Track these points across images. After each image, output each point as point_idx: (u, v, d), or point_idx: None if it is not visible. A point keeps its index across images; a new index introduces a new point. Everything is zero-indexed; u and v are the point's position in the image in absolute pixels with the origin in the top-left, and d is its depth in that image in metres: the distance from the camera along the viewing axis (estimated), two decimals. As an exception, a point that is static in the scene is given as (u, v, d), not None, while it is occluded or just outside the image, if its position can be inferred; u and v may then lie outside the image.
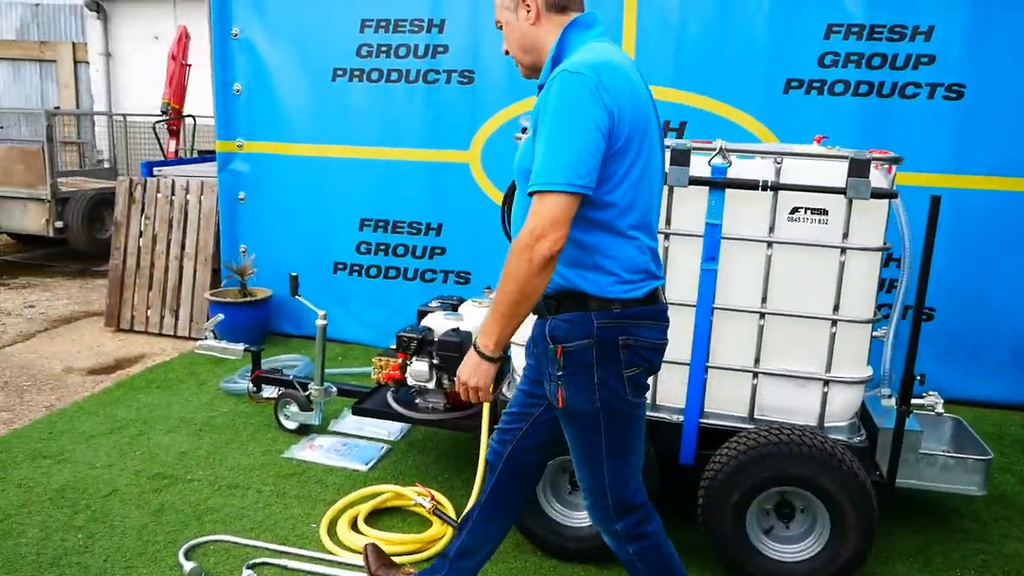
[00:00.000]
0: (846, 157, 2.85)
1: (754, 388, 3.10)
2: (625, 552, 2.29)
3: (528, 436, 2.39)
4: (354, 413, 3.68)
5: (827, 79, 4.72)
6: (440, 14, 5.15)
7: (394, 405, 3.54)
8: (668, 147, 2.91)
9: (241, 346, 4.26)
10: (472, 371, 2.08)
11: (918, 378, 3.00)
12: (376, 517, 3.29)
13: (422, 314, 3.80)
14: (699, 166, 2.93)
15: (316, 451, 3.92)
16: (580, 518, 3.09)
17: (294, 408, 4.08)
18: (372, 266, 5.59)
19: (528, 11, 2.16)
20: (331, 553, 3.05)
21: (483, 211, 5.31)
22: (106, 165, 11.09)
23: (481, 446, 3.29)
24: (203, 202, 5.77)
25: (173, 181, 5.97)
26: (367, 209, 5.48)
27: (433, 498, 3.25)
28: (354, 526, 3.19)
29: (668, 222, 3.02)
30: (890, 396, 3.16)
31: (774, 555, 2.91)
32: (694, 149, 2.93)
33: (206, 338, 4.26)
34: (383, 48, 5.28)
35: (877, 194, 2.82)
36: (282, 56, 5.44)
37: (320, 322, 3.94)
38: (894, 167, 2.95)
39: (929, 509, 3.54)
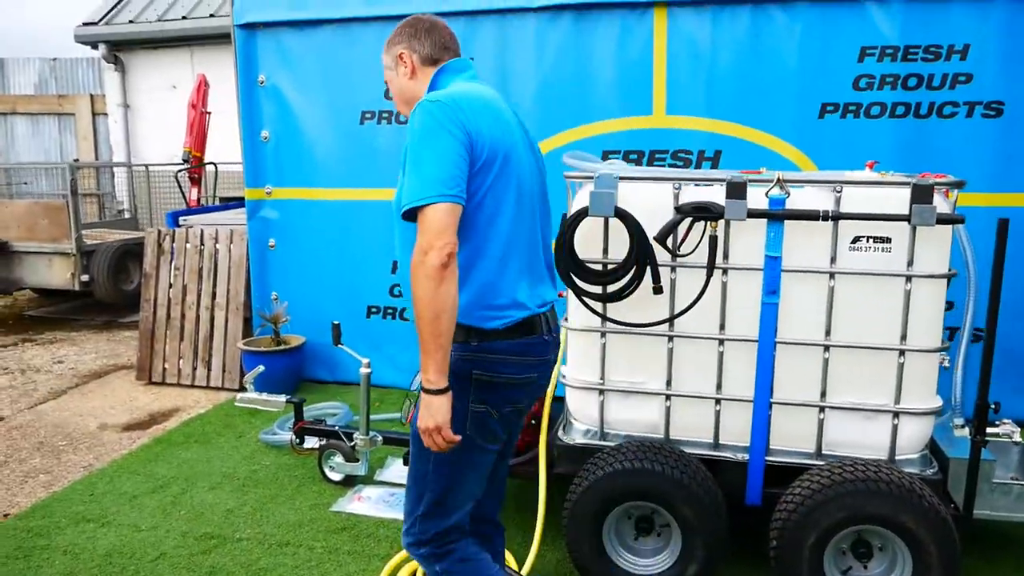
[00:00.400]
0: (908, 183, 2.78)
1: (821, 423, 3.01)
2: (432, 571, 2.26)
3: None
4: (406, 463, 3.60)
5: (863, 102, 4.67)
6: (467, 53, 5.04)
7: (447, 454, 3.45)
8: (723, 180, 2.88)
9: (283, 397, 4.19)
10: (425, 414, 2.00)
11: (992, 406, 2.90)
12: (434, 571, 3.19)
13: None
14: (756, 198, 2.87)
15: (364, 503, 3.83)
16: (649, 565, 2.98)
17: (339, 459, 4.00)
18: (405, 308, 5.53)
19: (406, 67, 2.33)
20: (392, 612, 2.95)
21: (516, 248, 5.26)
22: (126, 215, 11.15)
23: (540, 491, 3.20)
24: (232, 251, 5.75)
25: (202, 230, 5.96)
26: (398, 251, 5.43)
27: (493, 550, 3.15)
28: (413, 581, 3.10)
29: (726, 256, 2.96)
30: (963, 425, 3.05)
31: (855, 598, 2.80)
32: (750, 181, 2.88)
33: (247, 390, 4.18)
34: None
35: (942, 220, 2.75)
36: (309, 101, 5.44)
37: (364, 370, 3.87)
38: (955, 191, 2.88)
39: (1003, 540, 3.41)
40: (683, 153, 4.98)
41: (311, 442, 4.19)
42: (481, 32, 5.11)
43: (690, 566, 2.88)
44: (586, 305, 3.06)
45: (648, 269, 2.93)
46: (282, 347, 5.43)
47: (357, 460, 3.96)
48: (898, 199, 2.79)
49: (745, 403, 3.03)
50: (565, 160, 3.62)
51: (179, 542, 3.48)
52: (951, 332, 4.10)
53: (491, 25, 5.08)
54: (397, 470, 4.19)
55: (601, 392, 3.19)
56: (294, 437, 4.13)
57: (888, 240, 2.84)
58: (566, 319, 3.30)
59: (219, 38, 10.93)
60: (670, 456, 2.93)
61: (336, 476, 4.03)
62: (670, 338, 3.07)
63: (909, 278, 2.84)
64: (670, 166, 4.96)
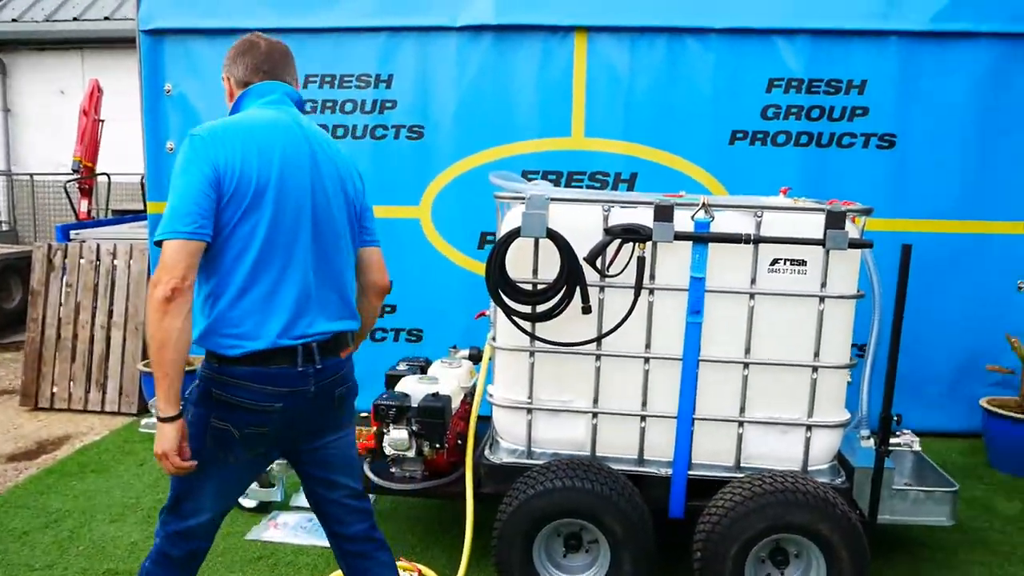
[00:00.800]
0: (822, 210, 2.94)
1: (740, 437, 3.12)
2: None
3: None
4: (328, 486, 3.49)
5: (770, 130, 4.91)
6: (388, 69, 5.10)
7: (372, 476, 3.38)
8: (652, 203, 2.96)
9: (193, 419, 3.99)
10: (157, 439, 2.08)
11: (895, 418, 3.08)
12: (359, 597, 3.10)
13: (391, 379, 3.66)
14: (681, 221, 2.97)
15: (281, 530, 3.69)
16: (579, 583, 3.01)
17: (253, 485, 3.84)
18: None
19: (227, 91, 2.45)
20: (318, 641, 2.86)
21: (435, 267, 5.24)
22: (4, 227, 10.45)
23: (467, 512, 3.18)
24: (132, 266, 5.47)
25: (98, 245, 5.65)
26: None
27: (420, 573, 3.10)
28: (339, 609, 3.00)
29: (652, 277, 3.04)
30: (868, 436, 3.23)
31: (776, 606, 2.91)
32: (677, 205, 2.97)
33: (153, 414, 3.96)
34: (328, 104, 5.18)
35: (853, 244, 2.92)
36: (219, 113, 5.18)
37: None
38: (863, 218, 3.06)
39: (898, 542, 3.61)
40: (600, 175, 5.10)
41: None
42: (402, 49, 5.07)
43: (620, 581, 2.92)
44: (516, 324, 3.07)
45: (578, 289, 2.98)
46: (187, 368, 5.17)
47: (273, 485, 3.83)
48: (813, 224, 2.94)
49: (669, 419, 3.11)
50: (492, 180, 3.65)
51: (79, 578, 3.27)
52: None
53: (412, 42, 5.06)
54: (314, 494, 4.07)
55: (529, 411, 3.21)
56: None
57: (804, 263, 2.99)
58: (493, 338, 3.31)
59: (114, 42, 10.47)
60: (599, 473, 2.97)
61: (250, 503, 3.87)
62: (597, 357, 3.12)
63: (822, 299, 3.00)
64: (587, 187, 5.06)
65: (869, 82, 4.79)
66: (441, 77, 5.09)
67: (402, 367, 3.79)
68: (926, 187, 4.81)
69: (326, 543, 3.47)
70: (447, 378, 3.57)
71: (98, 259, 5.57)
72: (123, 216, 8.47)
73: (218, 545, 3.51)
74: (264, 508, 3.88)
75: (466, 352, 3.96)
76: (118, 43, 10.19)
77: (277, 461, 3.72)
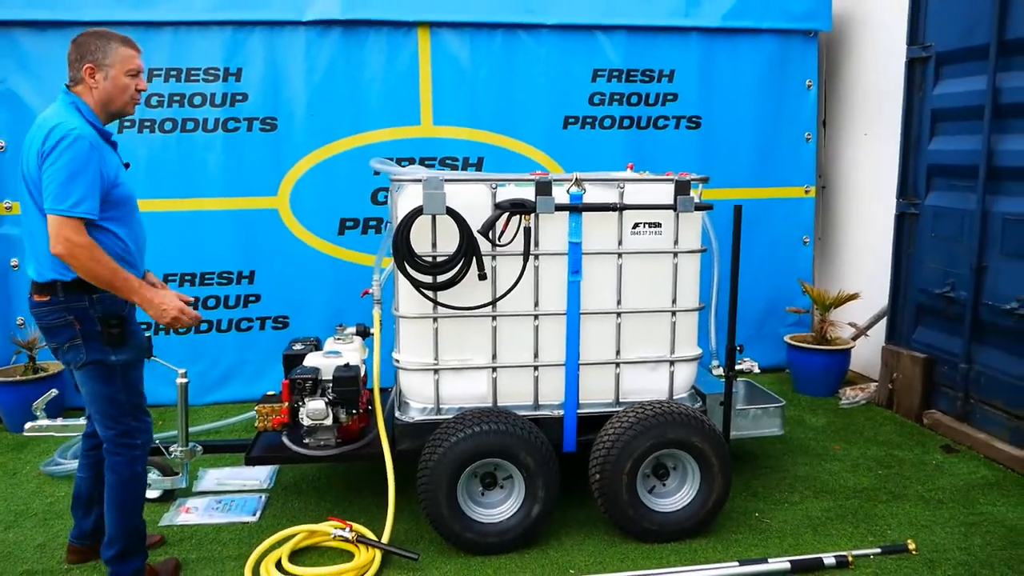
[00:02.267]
0: (672, 180, 3.54)
1: (617, 376, 3.68)
2: None
3: None
4: (247, 463, 3.63)
5: (597, 115, 5.56)
6: (237, 63, 5.15)
7: (293, 447, 3.58)
8: (534, 180, 3.41)
9: (83, 419, 3.91)
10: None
11: (738, 348, 3.79)
12: (293, 560, 3.31)
13: (289, 358, 3.86)
14: (559, 195, 3.44)
15: (194, 513, 3.78)
16: (498, 513, 3.43)
17: (154, 475, 3.87)
18: (182, 322, 5.34)
19: None
20: (268, 601, 3.06)
21: (296, 254, 5.39)
22: None
23: (388, 468, 3.48)
24: (-38, 274, 5.10)
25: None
26: (170, 263, 5.23)
27: (352, 527, 3.37)
28: (280, 569, 3.21)
29: (537, 244, 3.49)
30: (719, 366, 3.92)
31: (660, 508, 3.50)
32: (554, 181, 3.44)
33: (37, 418, 3.86)
34: (176, 97, 5.13)
35: (698, 207, 3.56)
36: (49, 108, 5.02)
37: (181, 380, 3.80)
38: (701, 186, 3.71)
39: (738, 455, 4.37)
40: (450, 160, 5.49)
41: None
42: (250, 43, 5.15)
43: (534, 506, 3.37)
44: (423, 293, 3.41)
45: (474, 259, 3.38)
46: (40, 375, 4.96)
47: (177, 473, 3.88)
48: (665, 192, 3.54)
49: (558, 367, 3.60)
50: (372, 165, 3.96)
51: (-4, 585, 3.20)
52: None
53: (260, 36, 5.15)
54: (211, 480, 4.16)
55: (435, 371, 3.57)
56: (98, 461, 3.89)
57: (659, 225, 3.58)
58: (396, 309, 3.62)
59: None
60: (508, 417, 3.40)
61: (153, 493, 3.88)
62: (493, 318, 3.54)
63: (676, 254, 3.61)
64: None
65: (677, 72, 5.57)
66: (292, 70, 5.23)
67: (297, 347, 3.98)
68: (727, 161, 5.68)
69: (243, 519, 3.72)
70: (347, 351, 3.83)
71: (-87, 270, 5.12)
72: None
73: (133, 537, 3.56)
74: (167, 497, 3.92)
75: (353, 329, 4.21)
76: None
77: (180, 448, 3.81)
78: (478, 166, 5.50)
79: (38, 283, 2.93)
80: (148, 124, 5.14)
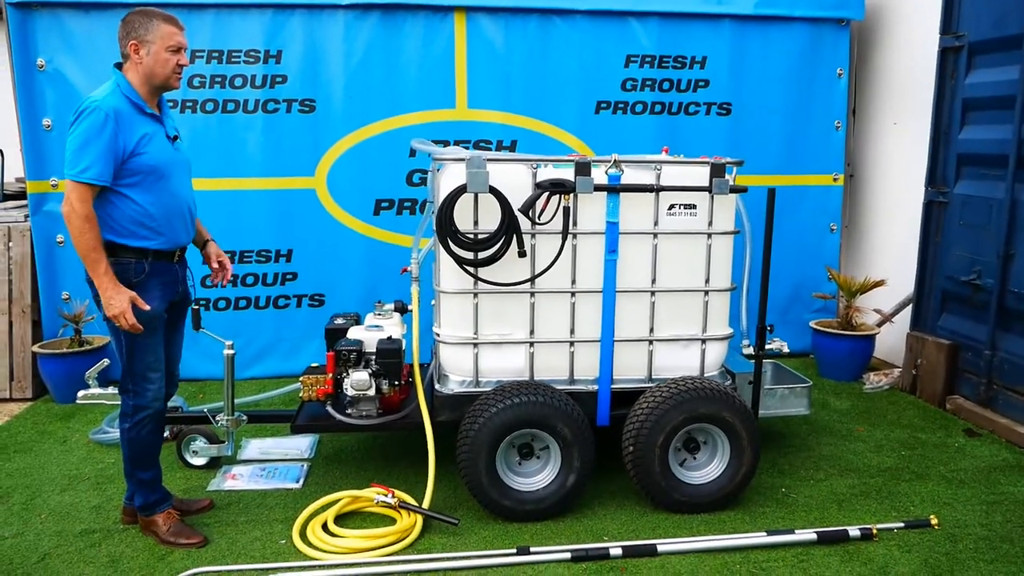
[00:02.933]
0: (707, 163, 3.64)
1: (651, 354, 3.79)
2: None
3: None
4: (293, 432, 3.79)
5: (629, 100, 5.64)
6: (276, 45, 5.27)
7: (339, 417, 3.72)
8: (573, 161, 3.51)
9: (133, 388, 4.08)
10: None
11: (769, 327, 3.89)
12: (337, 524, 3.45)
13: (331, 332, 3.99)
14: (597, 176, 3.55)
15: (239, 480, 3.93)
16: (535, 482, 3.55)
17: (201, 443, 4.03)
18: (220, 298, 5.50)
19: None
20: (316, 558, 3.20)
21: (332, 234, 5.52)
22: None
23: (428, 437, 3.61)
24: (12, 249, 5.27)
25: (-33, 229, 5.36)
26: (211, 241, 5.38)
27: (394, 494, 3.51)
28: (326, 530, 3.35)
29: (575, 223, 3.60)
30: (749, 346, 4.02)
31: (691, 481, 3.61)
32: (593, 162, 3.55)
33: (89, 387, 4.02)
34: (217, 79, 5.27)
35: (732, 190, 3.65)
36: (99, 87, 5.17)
37: (228, 351, 3.94)
38: (736, 169, 3.80)
39: (765, 435, 4.47)
40: (484, 143, 5.60)
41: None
42: (290, 26, 5.27)
43: (570, 476, 3.50)
44: (465, 269, 3.53)
45: (515, 236, 3.49)
46: (85, 347, 5.13)
47: (223, 441, 4.03)
48: (700, 175, 3.63)
49: (593, 343, 3.71)
50: (413, 145, 4.09)
51: (57, 542, 3.35)
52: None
53: (300, 19, 5.27)
54: (255, 449, 4.31)
55: (475, 345, 3.69)
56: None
57: (694, 206, 3.68)
58: (437, 284, 3.73)
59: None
60: (547, 390, 3.52)
61: (200, 460, 4.05)
62: (532, 294, 3.66)
63: (710, 235, 3.71)
64: (474, 154, 5.54)
65: (708, 58, 5.64)
66: (331, 52, 5.34)
67: (339, 321, 4.12)
68: (757, 148, 5.74)
69: (288, 485, 3.86)
70: (388, 326, 3.96)
71: (-35, 244, 5.30)
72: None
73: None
74: (212, 465, 4.08)
75: (391, 305, 4.34)
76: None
77: (226, 417, 3.96)
78: (511, 149, 5.60)
79: None
80: (190, 104, 5.27)
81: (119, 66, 3.18)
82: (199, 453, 4.05)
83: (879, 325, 5.66)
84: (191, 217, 3.40)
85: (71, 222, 2.98)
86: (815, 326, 5.61)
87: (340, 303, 5.55)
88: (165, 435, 4.18)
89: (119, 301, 3.04)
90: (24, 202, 5.49)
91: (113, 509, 3.64)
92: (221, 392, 5.23)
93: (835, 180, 5.98)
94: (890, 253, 5.91)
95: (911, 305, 5.39)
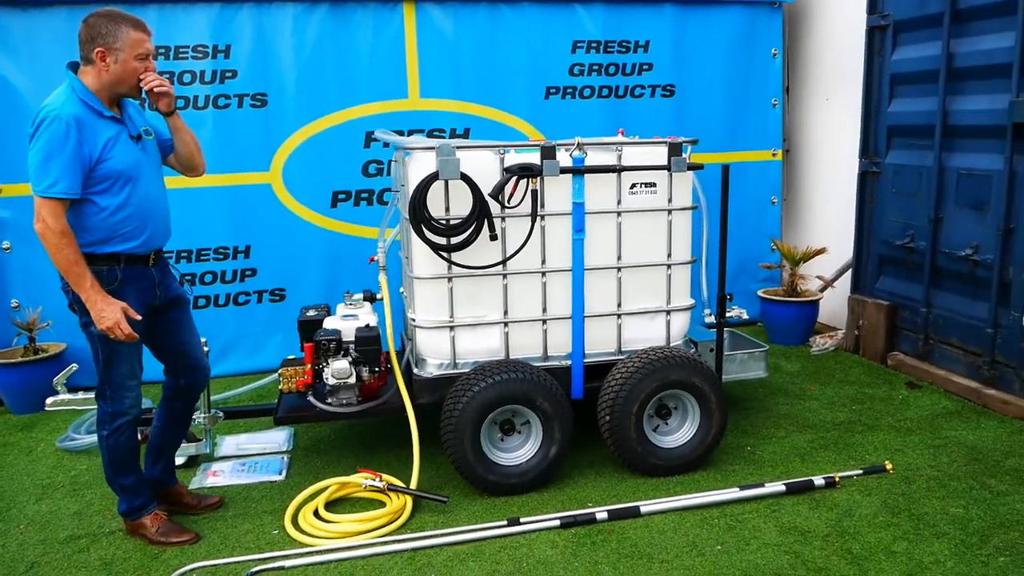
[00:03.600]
0: (665, 143, 3.80)
1: (619, 327, 3.95)
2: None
3: None
4: (276, 423, 3.82)
5: (577, 85, 5.79)
6: (225, 39, 5.23)
7: (321, 405, 3.77)
8: (538, 145, 3.63)
9: (105, 391, 4.04)
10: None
11: (728, 296, 4.10)
12: (328, 510, 3.52)
13: (304, 323, 4.01)
14: (562, 159, 3.68)
15: (221, 476, 3.94)
16: (518, 456, 3.68)
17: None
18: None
19: None
20: (312, 544, 3.27)
21: (290, 228, 5.52)
22: None
23: (411, 421, 3.70)
24: (-43, 257, 5.11)
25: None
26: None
27: (381, 477, 3.59)
28: (318, 517, 3.41)
29: (543, 205, 3.73)
30: (710, 314, 4.23)
31: (665, 445, 3.80)
32: (557, 145, 3.67)
33: (58, 392, 3.97)
34: (164, 75, 5.16)
35: (690, 167, 3.83)
36: (42, 88, 5.02)
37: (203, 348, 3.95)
38: (690, 148, 3.98)
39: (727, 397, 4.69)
40: (437, 131, 5.67)
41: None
42: (239, 19, 5.23)
43: (551, 448, 3.64)
44: (440, 255, 3.62)
45: (486, 220, 3.60)
46: (41, 356, 5.02)
47: (200, 439, 4.03)
48: (659, 154, 3.80)
49: (565, 320, 3.85)
50: (377, 134, 4.15)
51: (43, 550, 3.31)
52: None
53: (248, 13, 5.23)
54: (233, 445, 4.32)
55: (451, 328, 3.79)
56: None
57: (654, 185, 3.85)
58: (411, 271, 3.81)
59: None
60: (524, 367, 3.65)
61: (178, 460, 4.03)
62: (504, 276, 3.77)
63: (670, 211, 3.89)
64: (428, 143, 5.61)
65: (652, 42, 5.83)
66: (281, 46, 5.33)
67: (311, 313, 4.15)
68: (700, 127, 5.94)
69: (270, 479, 3.90)
70: (363, 315, 4.02)
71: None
72: None
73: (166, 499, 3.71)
74: (190, 464, 4.08)
75: (360, 295, 4.40)
76: None
77: (203, 414, 3.97)
78: (464, 136, 5.69)
79: None
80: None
81: (72, 66, 3.07)
82: (179, 452, 4.03)
83: (821, 291, 5.97)
84: (165, 217, 3.32)
85: (46, 239, 2.89)
86: (762, 295, 5.89)
87: (302, 297, 5.55)
88: (139, 437, 4.18)
89: (110, 313, 2.97)
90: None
91: (95, 514, 3.61)
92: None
93: (774, 155, 6.27)
94: (827, 222, 6.23)
95: (850, 270, 5.71)
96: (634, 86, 5.88)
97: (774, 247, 6.00)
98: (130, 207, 3.09)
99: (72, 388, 4.83)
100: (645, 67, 5.86)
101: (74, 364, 4.16)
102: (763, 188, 6.24)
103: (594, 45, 5.75)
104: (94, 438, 4.25)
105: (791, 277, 5.85)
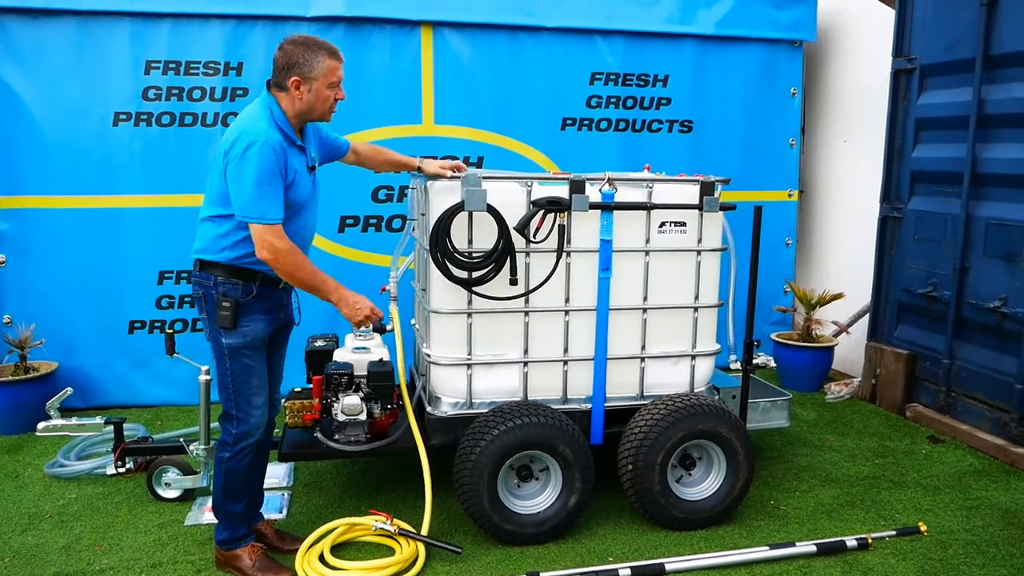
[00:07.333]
0: (697, 181, 3.68)
1: (642, 370, 3.79)
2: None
3: None
4: (281, 460, 3.62)
5: (594, 117, 5.68)
6: (238, 57, 5.09)
7: (328, 443, 3.58)
8: (567, 178, 3.49)
9: (99, 419, 3.84)
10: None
11: (756, 343, 3.95)
12: (334, 554, 3.31)
13: (312, 354, 3.85)
14: (591, 194, 3.54)
15: (218, 512, 3.73)
16: (536, 504, 3.50)
17: (173, 474, 3.81)
18: (177, 320, 5.25)
19: None
20: (317, 595, 3.06)
21: (296, 252, 5.33)
22: None
23: (423, 462, 3.51)
24: (-54, 270, 4.90)
25: None
26: (167, 261, 5.15)
27: (392, 521, 3.39)
28: (323, 562, 3.21)
29: (569, 241, 3.58)
30: (736, 360, 4.07)
31: (688, 497, 3.62)
32: (587, 180, 3.54)
33: (51, 417, 3.76)
34: (174, 91, 5.04)
35: (723, 208, 3.70)
36: (50, 100, 4.88)
37: (203, 377, 3.77)
38: (720, 187, 3.86)
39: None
40: (450, 159, 5.50)
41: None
42: (252, 37, 5.10)
43: (571, 497, 3.46)
44: (469, 289, 3.45)
45: (509, 258, 3.44)
46: (31, 375, 4.80)
47: (197, 472, 3.83)
48: (691, 193, 3.67)
49: (586, 361, 3.69)
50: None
51: (28, 587, 3.11)
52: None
53: (262, 31, 5.11)
54: (229, 479, 4.11)
55: (469, 366, 3.61)
56: (116, 462, 3.81)
57: (684, 224, 3.71)
58: (428, 303, 3.65)
59: None
60: (544, 410, 3.48)
61: (172, 493, 3.83)
62: (526, 313, 3.61)
63: (699, 252, 3.75)
64: (442, 170, 5.47)
65: (671, 77, 5.74)
66: (294, 65, 5.17)
67: (319, 343, 3.97)
68: (716, 164, 5.86)
69: (271, 517, 3.73)
70: (374, 347, 3.84)
71: None
72: None
73: (160, 535, 3.52)
74: (185, 497, 3.86)
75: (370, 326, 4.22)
76: None
77: (202, 446, 3.78)
78: (478, 165, 5.56)
79: (195, 260, 3.09)
80: (144, 118, 5.03)
81: (269, 86, 3.03)
82: (172, 485, 3.83)
83: (836, 336, 5.85)
84: (309, 246, 3.31)
85: (280, 263, 2.92)
86: (776, 338, 5.75)
87: (307, 324, 5.27)
88: (129, 466, 3.98)
89: (364, 301, 3.18)
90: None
91: (84, 549, 3.40)
92: (179, 419, 5.04)
93: (790, 196, 6.17)
94: (840, 266, 6.12)
95: (868, 316, 5.59)
96: (651, 120, 5.78)
97: (788, 289, 5.87)
98: (290, 235, 3.02)
99: (65, 412, 4.64)
100: (663, 101, 5.76)
101: (68, 388, 3.97)
102: (778, 229, 6.13)
103: (613, 77, 5.65)
104: (85, 465, 4.08)
105: (806, 322, 5.71)
